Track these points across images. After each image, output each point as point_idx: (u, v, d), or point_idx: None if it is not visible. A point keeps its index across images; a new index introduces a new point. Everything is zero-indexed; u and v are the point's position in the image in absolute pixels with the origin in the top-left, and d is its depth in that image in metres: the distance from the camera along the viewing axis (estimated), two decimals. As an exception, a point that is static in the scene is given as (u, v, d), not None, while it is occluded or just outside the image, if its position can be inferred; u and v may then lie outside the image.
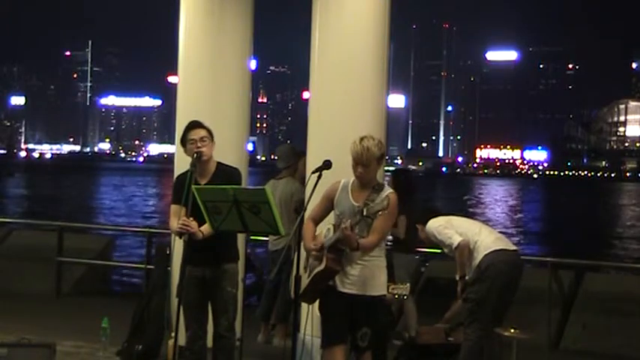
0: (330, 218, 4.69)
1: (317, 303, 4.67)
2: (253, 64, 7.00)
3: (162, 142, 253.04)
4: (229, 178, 4.81)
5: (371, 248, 4.47)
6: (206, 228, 4.68)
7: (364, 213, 4.28)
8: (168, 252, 6.34)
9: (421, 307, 6.78)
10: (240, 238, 6.18)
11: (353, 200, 4.54)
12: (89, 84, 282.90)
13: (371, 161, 4.47)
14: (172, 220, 4.88)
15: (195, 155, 4.80)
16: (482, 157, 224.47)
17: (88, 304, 8.49)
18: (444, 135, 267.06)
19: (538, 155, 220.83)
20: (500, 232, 6.02)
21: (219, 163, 4.98)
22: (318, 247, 4.50)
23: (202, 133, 4.90)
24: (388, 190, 4.53)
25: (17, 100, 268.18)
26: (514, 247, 5.51)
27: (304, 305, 4.78)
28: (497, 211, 50.96)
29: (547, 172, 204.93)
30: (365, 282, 4.50)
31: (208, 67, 6.54)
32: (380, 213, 4.29)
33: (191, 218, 4.64)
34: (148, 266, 8.29)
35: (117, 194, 56.29)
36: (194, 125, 4.97)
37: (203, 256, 4.75)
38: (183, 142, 4.94)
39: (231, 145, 6.51)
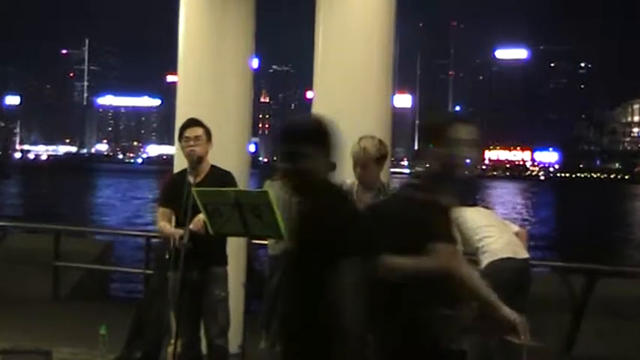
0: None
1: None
2: (255, 63, 6.92)
3: (161, 143, 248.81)
4: (221, 180, 4.75)
5: None
6: (196, 223, 4.56)
7: None
8: (167, 256, 6.21)
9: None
10: (241, 242, 6.07)
11: (357, 202, 4.40)
12: (86, 83, 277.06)
13: (368, 162, 4.37)
14: (163, 224, 4.84)
15: (194, 156, 4.73)
16: (492, 158, 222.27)
17: (86, 310, 8.38)
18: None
19: (549, 157, 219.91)
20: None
21: (213, 166, 4.91)
22: None
23: (198, 132, 4.85)
24: (392, 191, 4.40)
25: (12, 100, 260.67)
26: (524, 255, 5.30)
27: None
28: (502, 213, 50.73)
29: (558, 174, 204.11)
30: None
31: (209, 67, 6.46)
32: None
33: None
34: (147, 271, 8.18)
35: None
36: (190, 123, 4.93)
37: (190, 258, 4.63)
38: (180, 139, 4.91)
39: (233, 147, 6.43)
